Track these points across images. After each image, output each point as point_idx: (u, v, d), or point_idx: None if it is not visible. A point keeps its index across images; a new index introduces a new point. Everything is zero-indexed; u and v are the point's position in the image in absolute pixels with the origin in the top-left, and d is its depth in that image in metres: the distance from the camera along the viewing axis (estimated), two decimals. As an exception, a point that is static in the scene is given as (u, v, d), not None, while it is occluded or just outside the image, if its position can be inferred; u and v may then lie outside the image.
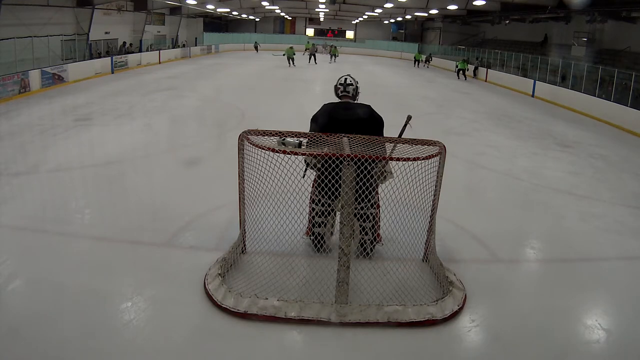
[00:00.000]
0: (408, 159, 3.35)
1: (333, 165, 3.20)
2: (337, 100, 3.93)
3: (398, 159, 3.32)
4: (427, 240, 3.83)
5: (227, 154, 6.74)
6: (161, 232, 4.34)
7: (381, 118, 3.82)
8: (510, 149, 8.49)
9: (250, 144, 3.37)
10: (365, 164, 3.24)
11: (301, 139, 3.40)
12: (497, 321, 3.32)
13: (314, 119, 3.78)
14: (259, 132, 3.54)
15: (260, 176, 3.45)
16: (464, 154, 7.67)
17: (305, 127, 3.81)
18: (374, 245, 3.94)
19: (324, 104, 3.85)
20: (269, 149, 3.25)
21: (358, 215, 3.69)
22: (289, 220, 3.62)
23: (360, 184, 3.31)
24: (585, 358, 3.05)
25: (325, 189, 3.38)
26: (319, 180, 3.50)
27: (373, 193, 3.63)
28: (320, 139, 3.46)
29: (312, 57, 26.68)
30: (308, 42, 32.20)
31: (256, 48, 35.76)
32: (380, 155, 3.27)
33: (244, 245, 3.94)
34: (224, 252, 3.82)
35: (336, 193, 3.36)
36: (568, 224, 5.18)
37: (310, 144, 3.38)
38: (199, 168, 6.49)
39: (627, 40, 17.14)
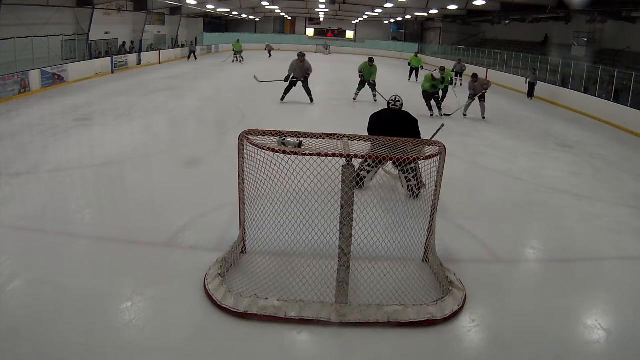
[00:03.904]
0: (408, 159, 3.36)
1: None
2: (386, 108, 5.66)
3: (398, 159, 3.32)
4: (427, 240, 3.84)
5: (227, 154, 6.73)
6: (161, 232, 4.34)
7: (415, 119, 5.44)
8: (510, 149, 8.49)
9: (250, 144, 3.37)
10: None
11: (301, 139, 3.41)
12: (497, 321, 3.32)
13: (371, 118, 5.50)
14: (259, 132, 3.55)
15: (260, 176, 3.45)
16: (464, 154, 7.68)
17: (305, 127, 3.82)
18: (419, 188, 4.94)
19: (382, 109, 5.69)
20: (269, 149, 3.25)
21: (401, 171, 5.17)
22: (289, 220, 3.62)
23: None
24: (585, 358, 3.05)
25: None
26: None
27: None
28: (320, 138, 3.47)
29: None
30: (238, 41, 25.81)
31: (191, 53, 25.40)
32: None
33: (244, 245, 3.94)
34: (224, 252, 3.82)
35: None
36: (568, 224, 5.18)
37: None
38: (199, 168, 6.49)
39: (627, 40, 17.13)
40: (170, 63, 22.92)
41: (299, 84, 11.45)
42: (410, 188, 5.13)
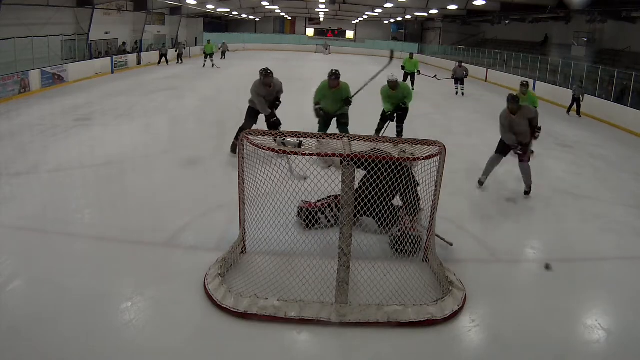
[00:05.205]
0: (408, 159, 3.36)
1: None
2: None
3: (398, 159, 3.32)
4: (427, 240, 3.84)
5: (227, 154, 6.72)
6: (161, 232, 4.34)
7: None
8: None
9: (250, 144, 3.37)
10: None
11: (301, 139, 3.42)
12: (497, 321, 3.32)
13: None
14: (259, 132, 3.55)
15: (260, 176, 3.46)
16: (464, 154, 7.67)
17: (306, 127, 3.82)
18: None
19: None
20: (269, 149, 3.25)
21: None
22: (289, 220, 3.62)
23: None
24: (585, 358, 3.05)
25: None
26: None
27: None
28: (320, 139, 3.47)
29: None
30: (209, 42, 22.34)
31: (162, 57, 21.80)
32: (383, 156, 3.28)
33: (244, 245, 3.94)
34: (224, 252, 3.82)
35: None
36: (568, 224, 5.18)
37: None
38: (199, 168, 6.49)
39: (627, 40, 17.13)
40: (170, 63, 22.89)
41: (262, 116, 6.85)
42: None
